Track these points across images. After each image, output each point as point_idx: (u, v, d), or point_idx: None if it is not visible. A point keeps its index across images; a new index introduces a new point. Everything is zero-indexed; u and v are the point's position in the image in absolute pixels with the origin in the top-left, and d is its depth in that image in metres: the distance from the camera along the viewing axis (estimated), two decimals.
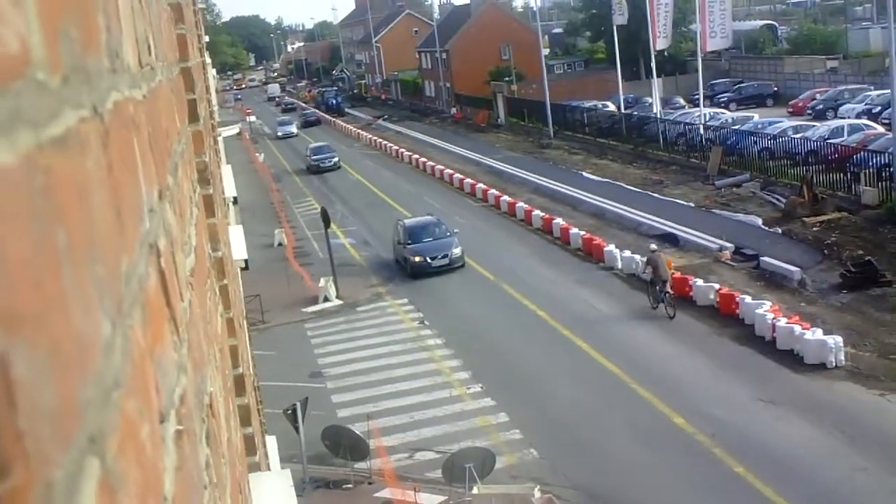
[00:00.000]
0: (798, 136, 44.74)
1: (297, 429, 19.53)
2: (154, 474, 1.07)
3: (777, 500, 17.69)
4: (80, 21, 0.95)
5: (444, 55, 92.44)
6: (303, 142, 78.96)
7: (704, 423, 20.82)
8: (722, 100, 67.50)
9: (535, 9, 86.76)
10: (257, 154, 75.40)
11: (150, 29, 1.97)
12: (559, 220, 38.69)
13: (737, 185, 41.66)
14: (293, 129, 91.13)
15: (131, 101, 1.37)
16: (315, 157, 65.15)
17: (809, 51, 77.73)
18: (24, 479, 0.61)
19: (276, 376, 25.09)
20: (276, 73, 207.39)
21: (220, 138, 17.67)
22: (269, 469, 6.68)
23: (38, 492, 0.63)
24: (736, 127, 50.33)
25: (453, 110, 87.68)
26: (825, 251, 31.08)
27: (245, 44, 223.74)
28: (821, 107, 59.14)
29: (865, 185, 35.38)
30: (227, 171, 12.00)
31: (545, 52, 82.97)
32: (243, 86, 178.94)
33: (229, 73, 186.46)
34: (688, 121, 53.77)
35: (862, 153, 37.71)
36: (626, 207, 40.37)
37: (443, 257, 35.24)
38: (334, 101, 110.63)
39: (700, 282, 28.59)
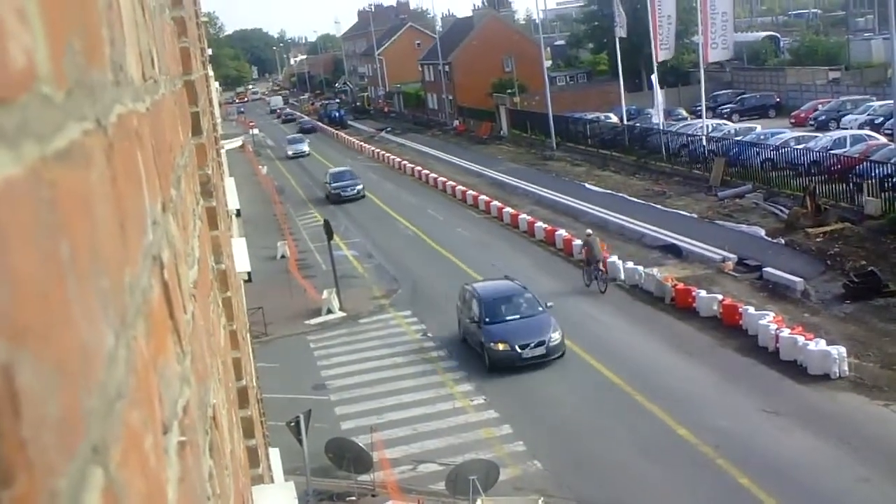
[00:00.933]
0: (800, 146, 44.73)
1: (300, 441, 19.48)
2: (157, 485, 1.08)
3: None
4: (84, 34, 0.95)
5: (446, 67, 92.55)
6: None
7: (708, 435, 20.76)
8: (724, 111, 67.54)
9: (537, 21, 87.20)
10: (260, 166, 75.36)
11: (153, 42, 1.98)
12: (562, 232, 38.67)
13: (739, 196, 41.62)
14: (305, 147, 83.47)
15: (135, 114, 1.38)
16: (335, 184, 57.35)
17: (811, 62, 77.74)
18: (28, 488, 0.61)
19: (280, 388, 25.08)
20: (278, 87, 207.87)
21: (223, 151, 17.70)
22: (272, 481, 6.67)
23: (42, 501, 0.64)
24: (738, 138, 50.31)
25: (456, 122, 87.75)
26: (828, 262, 31.04)
27: (248, 57, 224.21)
28: (823, 118, 59.11)
29: (868, 196, 35.34)
30: (230, 184, 12.02)
31: (547, 63, 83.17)
32: (246, 99, 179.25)
33: (239, 90, 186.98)
34: (690, 132, 53.76)
35: (864, 164, 37.67)
36: (628, 219, 40.35)
37: (537, 345, 26.02)
38: (337, 114, 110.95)
39: (703, 293, 28.56)
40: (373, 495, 20.51)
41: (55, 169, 0.76)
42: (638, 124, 61.16)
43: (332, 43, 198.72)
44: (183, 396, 1.48)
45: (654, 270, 31.59)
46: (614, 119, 64.98)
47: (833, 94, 66.40)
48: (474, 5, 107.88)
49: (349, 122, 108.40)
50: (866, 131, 48.06)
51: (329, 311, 33.74)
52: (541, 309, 27.37)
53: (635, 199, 44.60)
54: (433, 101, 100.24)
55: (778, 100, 69.54)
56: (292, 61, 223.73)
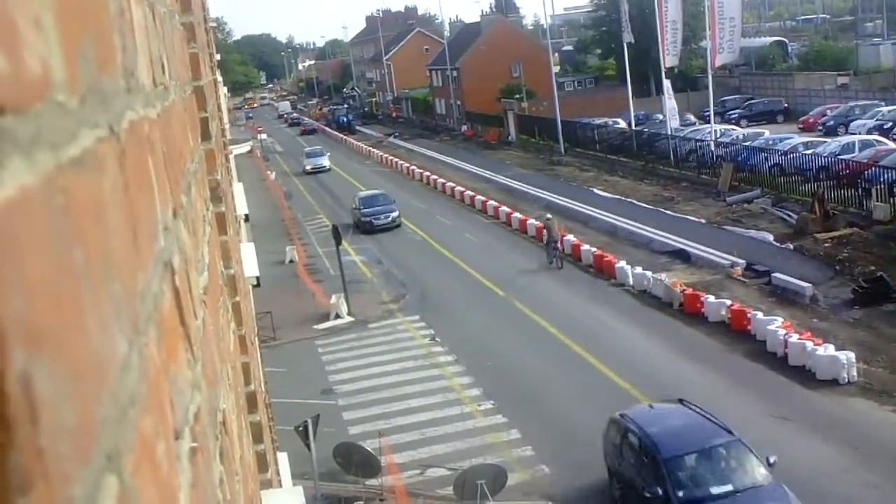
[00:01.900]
0: (809, 152, 44.66)
1: (308, 446, 19.48)
2: (170, 492, 1.08)
3: None
4: (97, 41, 0.95)
5: (454, 73, 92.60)
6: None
7: None
8: (733, 116, 67.42)
9: (545, 26, 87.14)
10: (268, 172, 75.39)
11: (163, 48, 1.98)
12: (570, 237, 38.65)
13: (748, 202, 41.55)
14: (325, 161, 73.08)
15: (146, 121, 1.38)
16: (367, 209, 48.09)
17: (820, 67, 77.66)
18: (45, 496, 0.61)
19: (288, 393, 25.07)
20: (286, 92, 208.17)
21: (231, 156, 17.73)
22: (281, 486, 6.67)
23: None
24: (747, 143, 50.20)
25: (464, 127, 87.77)
26: (837, 267, 30.97)
27: (256, 62, 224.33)
28: (832, 123, 59.02)
29: (877, 201, 35.26)
30: (238, 189, 12.04)
31: (555, 69, 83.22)
32: (255, 104, 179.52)
33: (248, 96, 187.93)
34: (699, 137, 53.70)
35: (873, 169, 37.59)
36: (637, 224, 40.29)
37: None
38: (345, 119, 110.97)
39: (712, 298, 28.51)
40: (381, 500, 20.51)
41: (69, 176, 0.76)
42: (646, 130, 61.13)
43: (341, 48, 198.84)
44: (194, 402, 1.49)
45: (663, 275, 31.55)
46: (622, 124, 64.94)
47: (841, 99, 66.32)
48: (482, 11, 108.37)
49: (357, 128, 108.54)
50: (875, 136, 47.95)
51: (337, 316, 33.74)
52: (763, 472, 16.79)
53: (644, 205, 44.55)
54: (441, 107, 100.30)
55: (786, 105, 69.42)
56: (300, 66, 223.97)
